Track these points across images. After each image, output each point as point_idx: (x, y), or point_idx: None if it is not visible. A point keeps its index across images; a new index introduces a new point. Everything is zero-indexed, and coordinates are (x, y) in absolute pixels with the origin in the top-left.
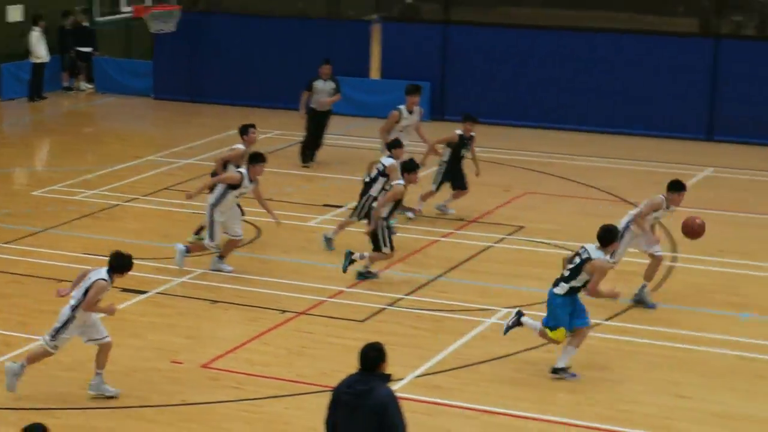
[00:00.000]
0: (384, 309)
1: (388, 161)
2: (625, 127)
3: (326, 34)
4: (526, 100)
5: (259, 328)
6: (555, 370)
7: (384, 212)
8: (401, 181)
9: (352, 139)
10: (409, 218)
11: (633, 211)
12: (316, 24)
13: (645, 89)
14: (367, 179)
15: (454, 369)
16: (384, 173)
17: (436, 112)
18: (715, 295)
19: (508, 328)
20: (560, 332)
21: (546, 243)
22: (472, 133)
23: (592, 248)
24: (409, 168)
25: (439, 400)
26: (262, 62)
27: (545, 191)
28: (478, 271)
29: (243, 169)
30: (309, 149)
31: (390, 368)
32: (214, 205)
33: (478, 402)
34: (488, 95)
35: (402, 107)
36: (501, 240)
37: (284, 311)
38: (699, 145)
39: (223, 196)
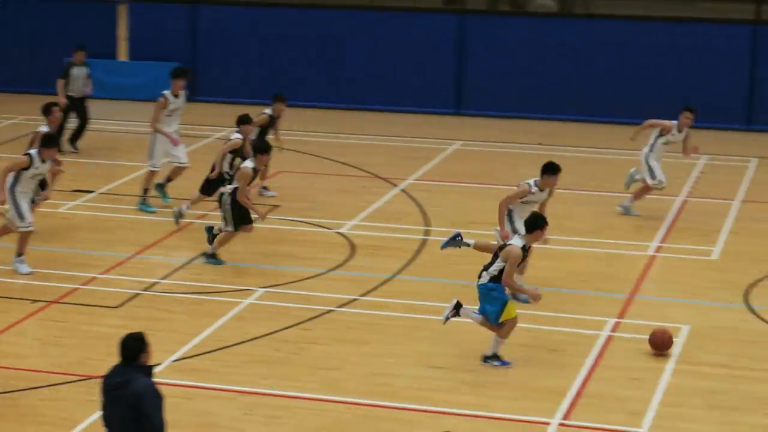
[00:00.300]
0: (139, 294)
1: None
2: (379, 104)
3: (72, 15)
4: (280, 80)
5: (10, 320)
6: (485, 359)
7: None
8: (250, 163)
9: (107, 124)
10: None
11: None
12: (61, 5)
13: (394, 67)
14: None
15: (211, 351)
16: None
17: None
18: (462, 266)
19: (447, 318)
20: (510, 307)
21: (301, 221)
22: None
23: (515, 236)
24: (261, 149)
25: (197, 383)
26: (4, 45)
27: (300, 170)
28: (233, 252)
29: (33, 151)
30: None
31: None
32: (12, 188)
33: (237, 383)
34: (240, 75)
35: (167, 92)
36: (255, 219)
37: (35, 300)
38: (448, 120)
39: (17, 178)
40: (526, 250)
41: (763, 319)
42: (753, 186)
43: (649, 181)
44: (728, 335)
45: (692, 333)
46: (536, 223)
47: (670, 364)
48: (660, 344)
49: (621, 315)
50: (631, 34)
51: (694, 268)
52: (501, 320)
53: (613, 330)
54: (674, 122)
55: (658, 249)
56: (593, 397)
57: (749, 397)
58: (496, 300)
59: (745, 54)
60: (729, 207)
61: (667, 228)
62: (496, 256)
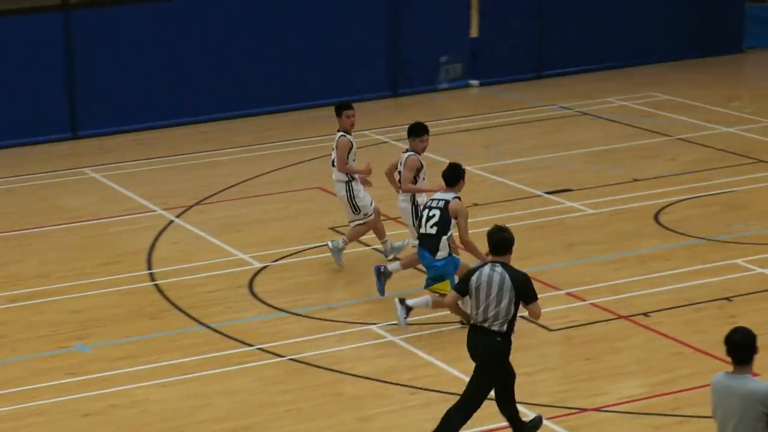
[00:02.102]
0: None
1: None
2: None
3: None
4: None
5: None
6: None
7: None
8: None
9: None
10: None
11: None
12: None
13: None
14: None
15: None
16: None
17: None
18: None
19: (405, 319)
20: (447, 285)
21: None
22: None
23: (441, 194)
24: None
25: None
26: None
27: None
28: None
29: None
30: None
31: None
32: None
33: None
34: None
35: None
36: None
37: None
38: None
39: None
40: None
41: None
42: None
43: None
44: None
45: None
46: (458, 173)
47: None
48: None
49: None
50: None
51: None
52: (437, 290)
53: None
54: None
55: None
56: None
57: None
58: (444, 273)
59: None
60: None
61: None
62: (444, 221)
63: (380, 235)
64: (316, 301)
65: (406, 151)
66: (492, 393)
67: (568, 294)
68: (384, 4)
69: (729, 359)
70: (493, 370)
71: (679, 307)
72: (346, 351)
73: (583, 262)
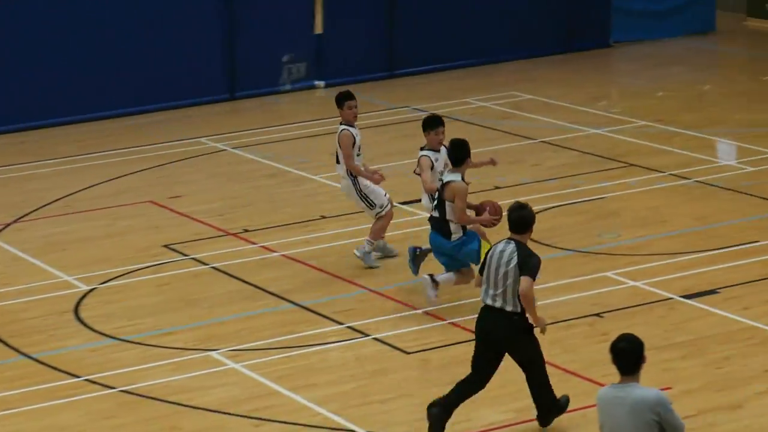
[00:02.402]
0: None
1: None
2: None
3: None
4: None
5: None
6: (433, 278)
7: None
8: None
9: None
10: None
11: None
12: None
13: None
14: None
15: None
16: None
17: None
18: None
19: (435, 295)
20: (485, 247)
21: None
22: None
23: (448, 175)
24: None
25: None
26: None
27: None
28: None
29: None
30: None
31: None
32: None
33: None
34: None
35: None
36: None
37: None
38: None
39: None
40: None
41: None
42: None
43: None
44: None
45: None
46: (464, 151)
47: None
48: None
49: None
50: None
51: None
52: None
53: None
54: None
55: None
56: None
57: None
58: (469, 252)
59: None
60: None
61: None
62: (441, 203)
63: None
64: (149, 326)
65: (422, 148)
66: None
67: (426, 313)
68: None
69: (615, 369)
70: (518, 346)
71: (546, 325)
72: (184, 380)
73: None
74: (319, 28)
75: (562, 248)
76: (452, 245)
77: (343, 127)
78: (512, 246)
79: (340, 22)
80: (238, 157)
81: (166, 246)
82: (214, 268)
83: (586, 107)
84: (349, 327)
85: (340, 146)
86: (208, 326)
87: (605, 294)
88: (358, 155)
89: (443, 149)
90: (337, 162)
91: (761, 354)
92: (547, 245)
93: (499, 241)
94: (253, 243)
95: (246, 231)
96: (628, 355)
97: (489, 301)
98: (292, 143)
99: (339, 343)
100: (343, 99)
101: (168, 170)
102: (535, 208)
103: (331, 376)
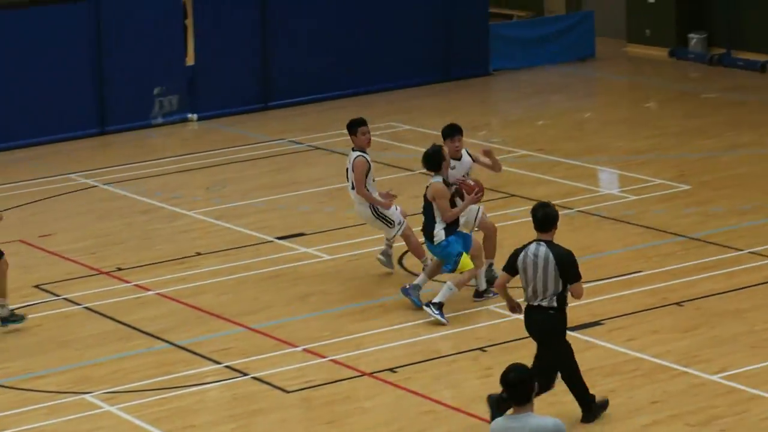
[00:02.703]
0: None
1: None
2: None
3: None
4: None
5: None
6: (429, 304)
7: None
8: None
9: None
10: None
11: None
12: None
13: None
14: None
15: None
16: None
17: None
18: None
19: (444, 317)
20: (465, 259)
21: None
22: None
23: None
24: None
25: None
26: None
27: None
28: None
29: None
30: None
31: None
32: None
33: None
34: None
35: None
36: None
37: None
38: None
39: None
40: (449, 184)
41: None
42: None
43: None
44: None
45: None
46: (438, 157)
47: None
48: None
49: None
50: None
51: None
52: (459, 269)
53: None
54: None
55: None
56: None
57: None
58: (449, 255)
59: None
60: None
61: None
62: (428, 208)
63: (390, 243)
64: (21, 368)
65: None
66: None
67: (305, 351)
68: (87, 28)
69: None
70: (551, 343)
71: (429, 360)
72: (58, 424)
73: (321, 314)
74: (191, 60)
75: (442, 281)
76: (435, 248)
77: (357, 153)
78: (544, 247)
79: (212, 53)
80: (109, 193)
81: (36, 286)
82: (86, 308)
83: (465, 137)
84: (227, 366)
85: (353, 172)
86: (82, 368)
87: (488, 328)
88: (374, 180)
89: (464, 156)
90: (352, 188)
91: (646, 385)
92: (432, 280)
93: (528, 244)
94: (127, 281)
95: (119, 269)
96: (519, 385)
97: (528, 300)
98: (164, 178)
99: (217, 382)
100: (355, 125)
101: (38, 208)
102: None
103: (209, 416)
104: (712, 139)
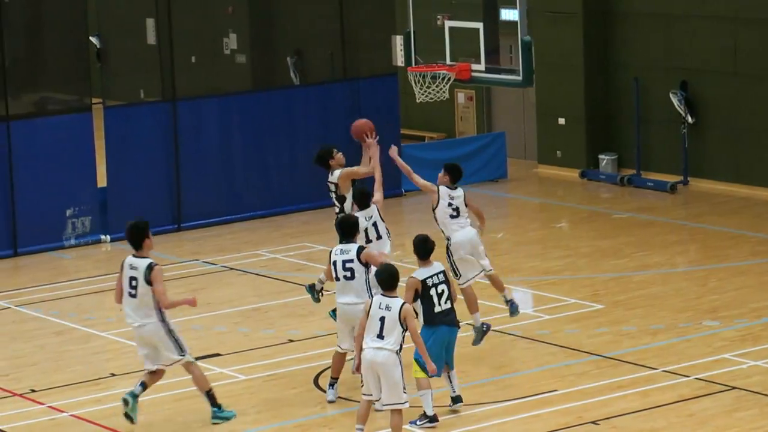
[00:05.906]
0: None
1: None
2: None
3: None
4: None
5: None
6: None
7: None
8: None
9: None
10: None
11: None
12: None
13: None
14: None
15: None
16: None
17: None
18: None
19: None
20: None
21: None
22: None
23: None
24: None
25: None
26: None
27: None
28: None
29: None
30: None
31: None
32: None
33: None
34: None
35: None
36: None
37: None
38: None
39: None
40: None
41: None
42: None
43: None
44: None
45: None
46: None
47: None
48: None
49: None
50: None
51: None
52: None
53: None
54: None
55: None
56: None
57: None
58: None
59: None
60: None
61: None
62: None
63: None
64: None
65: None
66: None
67: None
68: None
69: None
70: None
71: None
72: None
73: None
74: (103, 181)
75: (358, 401)
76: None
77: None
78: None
79: (124, 175)
80: (22, 315)
81: None
82: (1, 430)
83: None
84: None
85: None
86: None
87: None
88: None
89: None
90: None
91: None
92: (344, 399)
93: None
94: (41, 403)
95: (33, 391)
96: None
97: None
98: (78, 299)
99: None
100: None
101: None
102: (329, 362)
103: None
104: (623, 259)
